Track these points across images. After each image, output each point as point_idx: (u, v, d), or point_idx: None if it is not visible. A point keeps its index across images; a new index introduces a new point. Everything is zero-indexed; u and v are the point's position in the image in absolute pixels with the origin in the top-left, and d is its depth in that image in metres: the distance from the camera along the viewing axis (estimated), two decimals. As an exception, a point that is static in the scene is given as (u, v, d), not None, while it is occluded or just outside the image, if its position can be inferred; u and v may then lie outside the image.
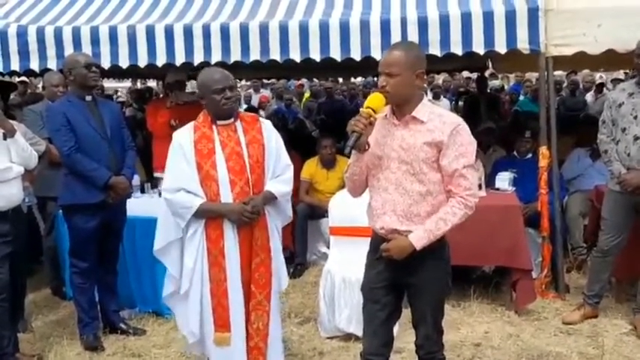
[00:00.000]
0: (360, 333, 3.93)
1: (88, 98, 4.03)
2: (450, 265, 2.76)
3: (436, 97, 11.36)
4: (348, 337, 4.06)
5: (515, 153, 5.65)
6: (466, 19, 4.55)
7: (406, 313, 2.87)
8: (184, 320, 3.21)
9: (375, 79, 8.43)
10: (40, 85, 9.13)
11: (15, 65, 5.13)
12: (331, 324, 4.11)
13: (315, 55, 4.75)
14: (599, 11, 4.49)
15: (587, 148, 5.74)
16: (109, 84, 12.06)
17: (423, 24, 4.60)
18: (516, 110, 9.63)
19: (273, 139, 3.19)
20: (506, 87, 12.44)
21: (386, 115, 2.67)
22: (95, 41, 4.97)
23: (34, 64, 5.10)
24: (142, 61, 4.97)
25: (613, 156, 4.08)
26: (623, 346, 3.93)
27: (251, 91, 13.15)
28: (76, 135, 3.91)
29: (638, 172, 3.96)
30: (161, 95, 8.60)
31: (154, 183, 5.27)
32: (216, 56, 4.84)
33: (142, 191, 5.09)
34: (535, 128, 5.11)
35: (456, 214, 2.57)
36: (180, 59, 4.92)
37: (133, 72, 7.42)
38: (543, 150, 4.71)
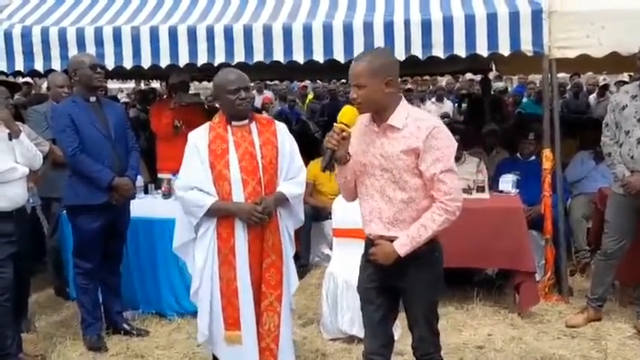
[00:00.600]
0: (362, 335, 3.94)
1: (93, 99, 4.04)
2: (442, 268, 2.72)
3: (439, 99, 11.35)
4: (350, 339, 4.06)
5: (518, 155, 5.65)
6: (470, 21, 4.55)
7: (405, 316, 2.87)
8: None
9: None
10: (44, 86, 9.15)
11: (19, 66, 5.16)
12: (334, 326, 4.11)
13: (319, 56, 4.76)
14: (603, 14, 4.49)
15: (590, 151, 5.73)
16: (112, 85, 12.09)
17: (426, 26, 4.60)
18: (520, 112, 9.63)
19: (287, 142, 3.22)
20: (509, 89, 12.42)
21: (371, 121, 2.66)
22: (99, 42, 4.99)
23: (39, 65, 5.12)
24: (146, 62, 4.98)
25: (616, 159, 4.08)
26: (627, 350, 3.92)
27: (254, 92, 13.17)
28: (81, 136, 3.92)
29: (641, 174, 3.96)
30: (165, 96, 8.61)
31: (158, 184, 5.28)
32: (219, 57, 4.85)
33: (146, 192, 5.10)
34: (538, 130, 5.11)
35: (435, 220, 2.53)
36: (183, 60, 4.93)
37: (137, 73, 7.43)
38: (547, 152, 4.70)
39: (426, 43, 4.60)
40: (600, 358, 3.81)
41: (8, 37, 5.10)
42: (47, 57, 5.08)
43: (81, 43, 4.99)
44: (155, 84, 11.82)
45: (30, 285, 4.31)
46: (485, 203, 4.72)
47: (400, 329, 3.67)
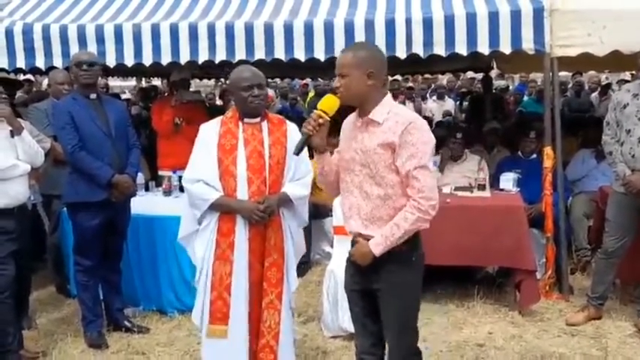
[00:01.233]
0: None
1: (93, 96, 4.04)
2: (420, 273, 2.63)
3: (440, 97, 11.34)
4: (351, 336, 4.04)
5: (519, 153, 5.64)
6: (471, 19, 4.55)
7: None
8: None
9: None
10: (44, 83, 9.16)
11: (21, 63, 5.15)
12: (334, 323, 4.11)
13: (320, 54, 4.76)
14: (604, 12, 4.47)
15: (591, 149, 5.73)
16: (113, 82, 12.09)
17: (427, 24, 4.60)
18: (521, 111, 9.63)
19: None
20: (510, 87, 12.41)
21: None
22: (100, 39, 4.98)
23: (40, 62, 5.12)
24: (147, 60, 4.98)
25: (617, 157, 4.08)
26: (627, 348, 3.92)
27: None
28: (80, 133, 3.92)
29: (642, 173, 3.96)
30: (166, 94, 8.62)
31: (159, 181, 5.29)
32: (220, 55, 4.85)
33: (147, 190, 5.10)
34: (539, 129, 5.11)
35: (407, 219, 2.47)
36: (185, 58, 4.93)
37: (138, 70, 7.44)
38: (548, 151, 4.70)
39: (428, 41, 4.59)
40: (601, 357, 3.81)
41: (9, 34, 5.10)
42: (48, 54, 5.08)
43: (82, 41, 4.99)
44: (156, 82, 11.82)
45: (31, 282, 4.32)
46: (486, 201, 4.72)
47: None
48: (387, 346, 2.73)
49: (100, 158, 3.95)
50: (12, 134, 3.62)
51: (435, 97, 11.53)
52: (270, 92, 13.08)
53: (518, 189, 5.00)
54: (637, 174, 3.97)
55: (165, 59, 4.96)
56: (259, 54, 4.82)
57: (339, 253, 4.35)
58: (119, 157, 4.06)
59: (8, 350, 3.64)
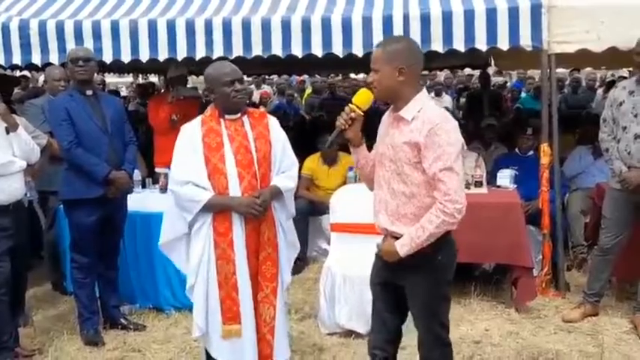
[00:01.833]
0: (360, 329, 3.96)
1: (89, 92, 4.03)
2: (448, 273, 2.66)
3: (438, 93, 11.34)
4: (348, 333, 4.06)
5: (516, 150, 5.65)
6: (469, 16, 4.54)
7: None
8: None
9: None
10: (41, 79, 9.13)
11: (17, 59, 5.12)
12: (331, 320, 4.11)
13: (317, 50, 4.74)
14: (602, 8, 4.47)
15: (588, 146, 5.73)
16: (110, 79, 12.07)
17: (425, 20, 4.58)
18: (518, 107, 9.62)
19: (279, 136, 3.21)
20: (508, 84, 12.43)
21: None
22: (97, 35, 4.95)
23: (36, 58, 5.09)
24: (144, 56, 4.96)
25: (614, 154, 4.08)
26: (623, 345, 3.93)
27: (252, 86, 13.14)
28: (77, 129, 3.91)
29: (638, 170, 3.96)
30: (163, 90, 8.60)
31: (155, 178, 5.27)
32: (217, 51, 4.83)
33: (143, 186, 5.09)
34: (537, 126, 5.10)
35: (432, 222, 2.47)
36: (182, 54, 4.91)
37: (135, 67, 7.42)
38: (545, 147, 4.70)
39: (425, 38, 4.57)
40: (597, 353, 3.81)
41: (5, 30, 5.07)
42: (45, 50, 5.05)
43: (78, 37, 4.96)
44: (153, 78, 11.79)
45: (27, 279, 4.30)
46: (483, 198, 4.71)
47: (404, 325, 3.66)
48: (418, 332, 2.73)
49: (96, 155, 3.94)
50: (7, 131, 3.60)
51: (432, 94, 11.52)
52: (267, 88, 13.09)
53: (516, 186, 5.00)
54: (633, 171, 3.97)
55: (162, 55, 4.93)
56: (256, 50, 4.80)
57: (336, 250, 4.36)
58: (115, 153, 4.05)
59: (4, 347, 3.64)
